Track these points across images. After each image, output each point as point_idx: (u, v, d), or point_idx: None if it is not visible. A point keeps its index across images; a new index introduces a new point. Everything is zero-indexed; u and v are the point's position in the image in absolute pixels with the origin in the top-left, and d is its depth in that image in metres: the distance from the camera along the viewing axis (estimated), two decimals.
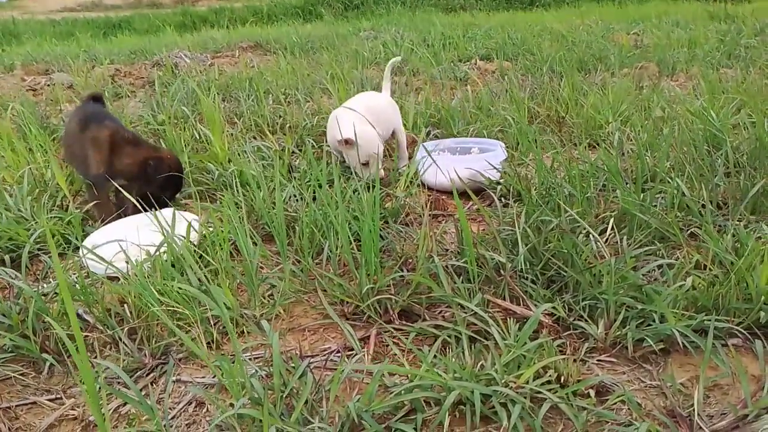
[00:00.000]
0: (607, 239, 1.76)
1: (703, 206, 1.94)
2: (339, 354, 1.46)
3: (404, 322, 1.56)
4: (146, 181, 2.21)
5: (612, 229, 1.80)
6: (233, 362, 1.28)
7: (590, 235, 1.70)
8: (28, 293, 1.59)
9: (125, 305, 1.62)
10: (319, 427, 1.16)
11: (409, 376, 1.31)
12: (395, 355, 1.42)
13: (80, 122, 2.34)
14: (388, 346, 1.48)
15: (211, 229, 1.83)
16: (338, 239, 1.78)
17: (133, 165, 2.22)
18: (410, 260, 1.79)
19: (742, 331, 1.42)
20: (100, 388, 1.24)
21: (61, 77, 5.88)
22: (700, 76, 4.09)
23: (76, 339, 0.95)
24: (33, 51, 8.09)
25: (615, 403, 1.25)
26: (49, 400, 1.40)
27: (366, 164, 2.41)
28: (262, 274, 1.78)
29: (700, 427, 1.17)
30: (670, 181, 2.04)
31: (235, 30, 10.56)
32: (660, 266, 1.66)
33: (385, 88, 2.89)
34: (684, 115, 2.81)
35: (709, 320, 1.36)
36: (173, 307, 1.54)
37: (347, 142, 2.37)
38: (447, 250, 1.89)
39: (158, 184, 2.22)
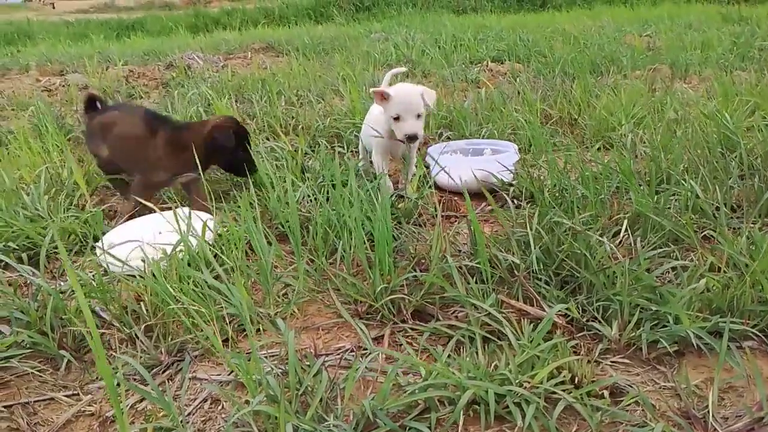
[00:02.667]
0: (620, 241, 1.77)
1: (717, 209, 1.94)
2: (353, 353, 1.47)
3: (418, 322, 1.57)
4: (222, 153, 2.28)
5: (626, 230, 1.80)
6: (249, 360, 1.29)
7: (604, 237, 1.70)
8: (46, 291, 1.61)
9: (141, 303, 1.63)
10: (334, 425, 1.17)
11: (423, 374, 1.31)
12: (409, 354, 1.43)
13: (146, 124, 2.34)
14: (401, 345, 1.48)
15: (225, 228, 1.85)
16: (352, 239, 1.79)
17: (196, 150, 2.22)
18: (423, 261, 1.80)
19: (757, 333, 1.42)
20: (118, 383, 1.26)
21: (76, 78, 5.93)
22: (713, 78, 4.07)
23: (93, 335, 0.97)
24: (47, 52, 8.18)
25: (629, 404, 1.25)
26: (67, 396, 1.42)
27: (397, 119, 2.25)
28: (276, 273, 1.79)
29: (715, 429, 1.17)
30: (683, 183, 2.04)
31: (247, 31, 10.61)
32: (674, 268, 1.66)
33: None
34: (697, 118, 2.80)
35: (724, 322, 1.36)
36: (189, 304, 1.55)
37: (382, 96, 2.28)
38: (460, 251, 1.89)
39: (232, 149, 2.27)
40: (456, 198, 2.39)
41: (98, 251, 1.87)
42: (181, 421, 1.25)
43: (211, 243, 1.88)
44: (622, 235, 1.79)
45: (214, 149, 2.27)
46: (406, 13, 11.76)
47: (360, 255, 1.74)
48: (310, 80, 4.73)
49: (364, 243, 1.76)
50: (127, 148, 2.34)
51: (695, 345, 1.38)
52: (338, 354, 1.48)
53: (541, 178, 2.31)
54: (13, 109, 4.53)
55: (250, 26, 12.27)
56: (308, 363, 1.37)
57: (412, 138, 2.24)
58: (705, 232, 1.88)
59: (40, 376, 1.49)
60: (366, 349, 1.47)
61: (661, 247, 1.74)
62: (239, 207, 1.90)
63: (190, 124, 2.45)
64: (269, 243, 1.81)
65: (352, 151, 2.99)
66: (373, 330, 1.57)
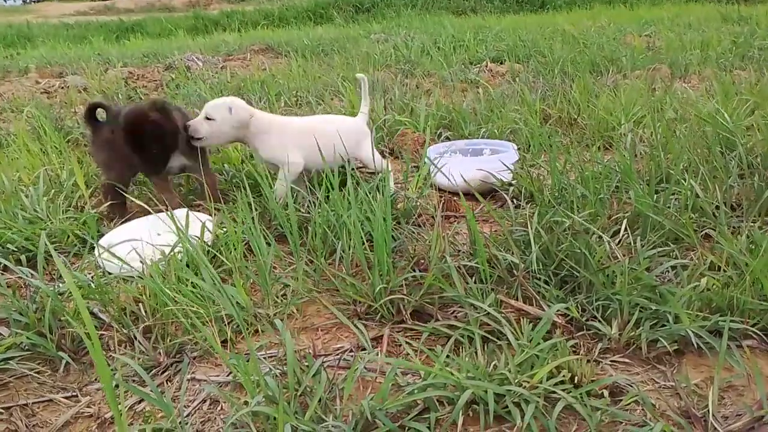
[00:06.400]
0: (620, 240, 1.76)
1: (717, 208, 1.94)
2: (352, 353, 1.47)
3: (417, 322, 1.57)
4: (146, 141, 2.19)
5: (625, 230, 1.80)
6: (248, 360, 1.29)
7: (603, 236, 1.69)
8: (45, 292, 1.61)
9: (140, 304, 1.63)
10: (333, 426, 1.16)
11: (422, 374, 1.31)
12: (408, 354, 1.42)
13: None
14: (400, 345, 1.48)
15: (224, 229, 1.85)
16: (351, 239, 1.78)
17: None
18: (422, 261, 1.79)
19: (757, 332, 1.42)
20: (117, 384, 1.26)
21: (75, 80, 5.94)
22: (713, 77, 4.07)
23: (91, 336, 0.96)
24: (47, 54, 8.19)
25: (629, 404, 1.24)
26: (65, 397, 1.42)
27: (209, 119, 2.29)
28: (275, 274, 1.79)
29: (715, 428, 1.16)
30: (683, 182, 2.03)
31: (247, 33, 10.63)
32: (674, 267, 1.66)
33: (362, 109, 2.60)
34: (697, 117, 2.79)
35: (724, 321, 1.36)
36: (188, 306, 1.55)
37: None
38: (459, 251, 1.89)
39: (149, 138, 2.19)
40: (455, 198, 2.38)
41: (96, 252, 1.86)
42: (180, 423, 1.24)
43: (209, 244, 1.88)
44: (621, 234, 1.78)
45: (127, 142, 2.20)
46: (405, 14, 11.78)
47: (359, 255, 1.73)
48: (310, 81, 4.73)
49: (363, 243, 1.76)
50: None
51: (695, 344, 1.38)
52: (337, 354, 1.47)
53: (541, 178, 2.31)
54: (13, 111, 4.53)
55: (250, 28, 12.29)
56: (307, 363, 1.37)
57: (184, 128, 2.30)
58: (705, 231, 1.87)
59: (39, 378, 1.48)
60: (365, 349, 1.47)
61: (660, 246, 1.74)
62: (237, 208, 1.90)
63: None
64: (268, 244, 1.81)
65: None
66: (372, 330, 1.56)
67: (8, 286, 1.74)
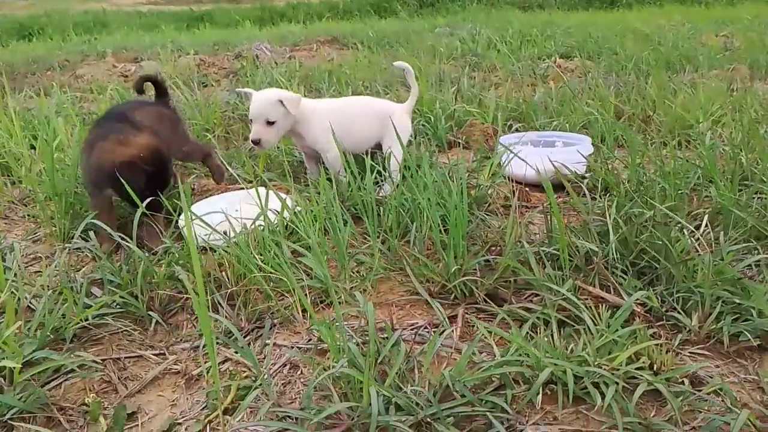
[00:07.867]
0: (701, 235, 1.73)
1: None
2: (427, 329, 1.50)
3: (491, 305, 1.58)
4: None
5: (706, 225, 1.76)
6: (330, 327, 1.34)
7: (683, 230, 1.67)
8: (138, 255, 1.70)
9: (223, 272, 1.70)
10: (412, 390, 1.20)
11: (498, 353, 1.33)
12: (482, 335, 1.44)
13: None
14: (473, 326, 1.50)
15: (308, 202, 1.90)
16: (426, 221, 1.81)
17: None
18: (494, 247, 1.81)
19: None
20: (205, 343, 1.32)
21: (150, 65, 6.17)
22: None
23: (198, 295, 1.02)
24: (122, 40, 8.52)
25: (709, 394, 1.23)
26: (154, 354, 1.50)
27: (251, 121, 2.28)
28: (351, 251, 1.84)
29: None
30: (767, 181, 1.98)
31: (312, 25, 10.78)
32: (757, 264, 1.62)
33: (411, 95, 2.63)
34: None
35: None
36: (271, 273, 1.61)
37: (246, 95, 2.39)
38: (533, 240, 1.89)
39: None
40: (527, 189, 2.38)
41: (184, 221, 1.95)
42: (266, 378, 1.30)
43: (287, 220, 1.94)
44: (702, 229, 1.75)
45: None
46: (470, 8, 11.68)
47: (435, 237, 1.76)
48: (376, 72, 4.78)
49: (438, 225, 1.78)
50: None
51: None
52: (412, 330, 1.51)
53: (615, 172, 2.28)
54: (92, 92, 4.75)
55: (315, 19, 12.45)
56: (385, 336, 1.40)
57: (254, 143, 2.27)
58: None
59: (130, 335, 1.58)
60: (439, 325, 1.50)
61: (742, 243, 1.70)
62: (310, 187, 1.95)
63: None
64: (345, 222, 1.86)
65: (420, 139, 3.02)
66: (446, 309, 1.59)
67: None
